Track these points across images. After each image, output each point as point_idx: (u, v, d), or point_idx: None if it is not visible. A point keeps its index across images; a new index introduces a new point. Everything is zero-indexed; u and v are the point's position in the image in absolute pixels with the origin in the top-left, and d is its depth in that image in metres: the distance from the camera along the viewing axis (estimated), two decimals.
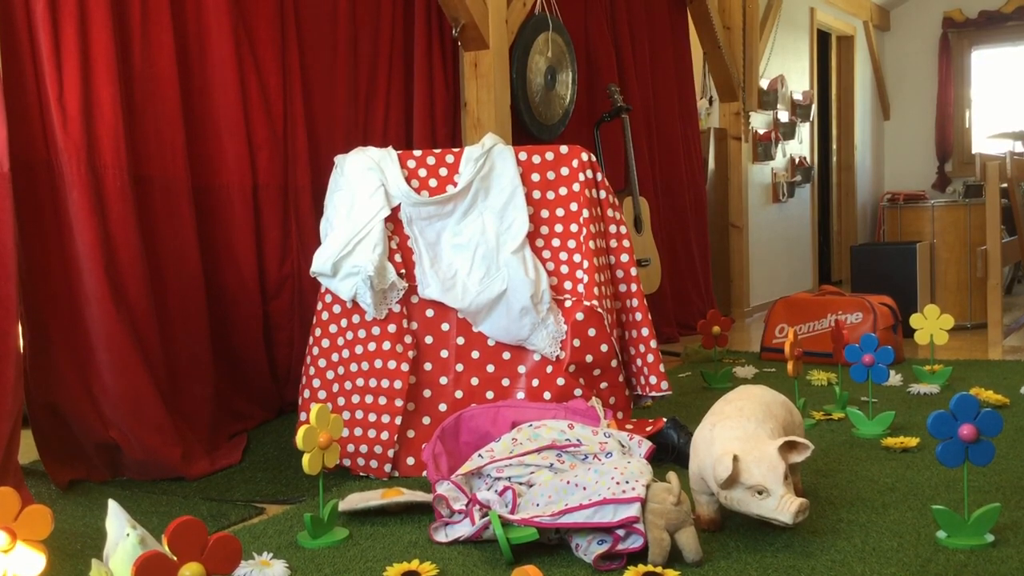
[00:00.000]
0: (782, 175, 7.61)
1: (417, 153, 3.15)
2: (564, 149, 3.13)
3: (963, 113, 9.83)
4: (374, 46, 4.02)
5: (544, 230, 3.11)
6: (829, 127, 9.04)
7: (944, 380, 3.97)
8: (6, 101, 2.71)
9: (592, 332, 2.98)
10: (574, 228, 3.08)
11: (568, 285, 3.05)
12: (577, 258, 3.06)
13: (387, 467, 2.96)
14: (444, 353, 3.03)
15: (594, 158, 3.18)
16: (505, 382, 3.01)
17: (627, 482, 2.12)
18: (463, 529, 2.31)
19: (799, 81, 8.02)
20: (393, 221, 3.08)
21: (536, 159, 3.12)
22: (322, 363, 3.11)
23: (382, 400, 2.97)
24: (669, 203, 5.88)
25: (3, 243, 2.68)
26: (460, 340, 3.03)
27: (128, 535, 1.93)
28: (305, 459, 2.32)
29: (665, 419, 2.97)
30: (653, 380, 3.19)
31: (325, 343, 3.11)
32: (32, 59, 2.83)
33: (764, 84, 7.10)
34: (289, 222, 3.63)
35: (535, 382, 2.99)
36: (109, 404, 2.96)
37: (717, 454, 2.14)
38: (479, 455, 2.53)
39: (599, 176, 3.18)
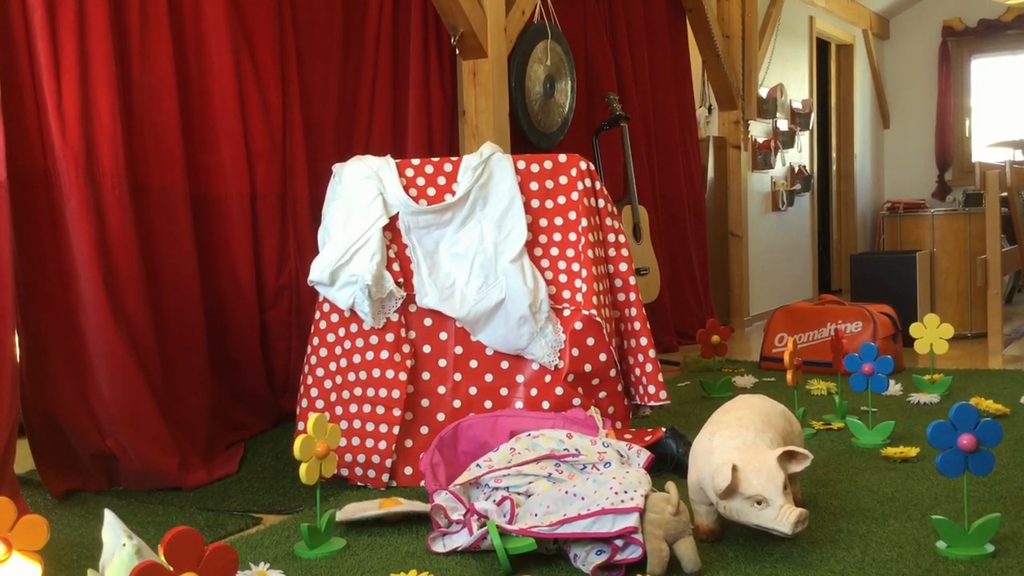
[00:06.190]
0: (781, 184, 7.61)
1: (415, 162, 3.14)
2: (563, 158, 3.12)
3: (963, 122, 9.84)
4: (372, 55, 4.02)
5: (543, 239, 3.10)
6: (828, 136, 9.04)
7: (944, 390, 3.97)
8: (4, 109, 2.71)
9: (591, 341, 2.97)
10: (573, 237, 3.07)
11: (567, 294, 3.05)
12: (576, 267, 3.05)
13: (385, 477, 2.95)
14: (442, 362, 3.03)
15: (593, 167, 3.18)
16: (503, 391, 3.00)
17: (626, 492, 2.11)
18: (461, 539, 2.30)
19: (798, 90, 8.03)
20: (391, 230, 3.07)
21: (535, 168, 3.12)
22: (320, 372, 3.11)
23: (380, 409, 2.97)
24: (668, 212, 5.88)
25: (0, 251, 2.67)
26: (458, 349, 3.03)
27: (124, 545, 1.93)
28: (302, 469, 2.32)
29: (664, 429, 2.96)
30: (652, 389, 3.18)
31: (323, 352, 3.11)
32: (30, 67, 2.83)
33: (763, 93, 7.10)
34: (287, 231, 3.62)
35: (533, 391, 2.98)
36: (106, 413, 2.95)
37: (716, 464, 2.13)
38: (477, 465, 2.52)
39: (598, 185, 3.18)
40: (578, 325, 2.97)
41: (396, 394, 2.95)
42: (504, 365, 3.02)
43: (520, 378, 3.01)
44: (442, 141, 4.28)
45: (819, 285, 8.61)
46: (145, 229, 3.12)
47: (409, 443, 2.98)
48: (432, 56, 4.22)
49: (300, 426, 3.10)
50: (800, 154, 8.03)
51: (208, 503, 2.87)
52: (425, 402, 3.00)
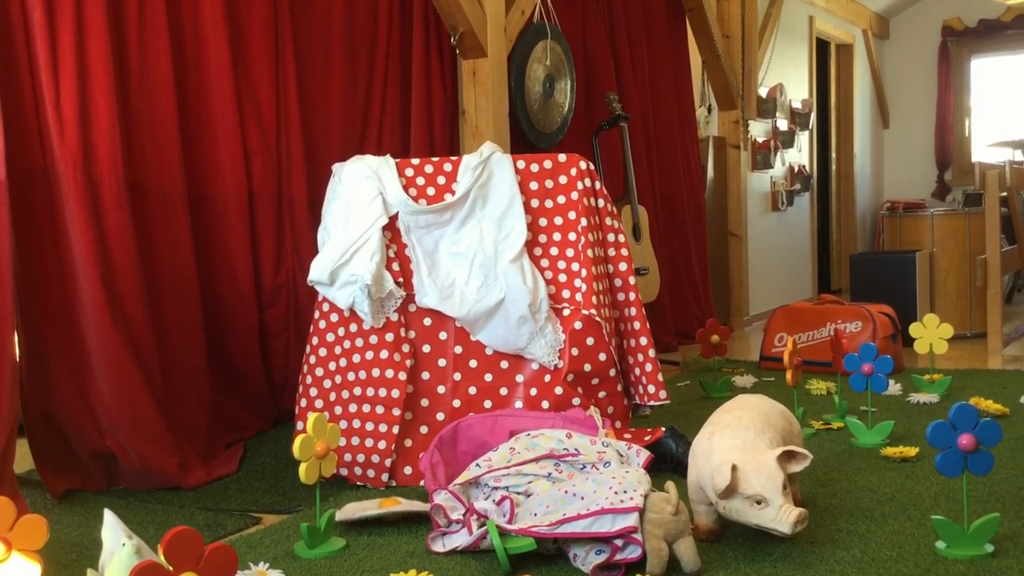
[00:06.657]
0: (781, 183, 7.61)
1: (415, 161, 3.14)
2: (562, 157, 3.12)
3: (962, 122, 9.84)
4: (371, 54, 4.02)
5: (542, 239, 3.10)
6: (828, 136, 9.04)
7: (943, 389, 3.97)
8: (3, 109, 2.71)
9: (590, 341, 2.97)
10: (572, 237, 3.08)
11: (566, 294, 3.05)
12: (575, 267, 3.05)
13: (384, 476, 2.95)
14: (442, 362, 3.03)
15: (592, 167, 3.18)
16: (503, 391, 3.00)
17: (625, 492, 2.11)
18: (460, 539, 2.30)
19: (798, 89, 8.03)
20: (391, 229, 3.07)
21: (534, 167, 3.12)
22: (319, 372, 3.11)
23: (379, 409, 2.97)
24: (668, 212, 5.88)
25: (0, 251, 2.67)
26: (458, 349, 3.03)
27: (124, 545, 1.93)
28: (302, 468, 2.32)
29: (664, 428, 2.96)
30: (652, 389, 3.18)
31: (322, 352, 3.10)
32: (29, 67, 2.83)
33: (763, 92, 7.10)
34: (283, 230, 3.62)
35: (533, 391, 2.98)
36: (105, 413, 2.95)
37: (716, 464, 2.13)
38: (477, 464, 2.52)
39: (597, 184, 3.18)
40: (578, 325, 2.97)
41: (396, 394, 2.95)
42: (504, 365, 3.02)
43: (520, 378, 3.01)
44: (443, 141, 4.28)
45: (819, 285, 8.61)
46: (143, 228, 3.12)
47: (409, 443, 2.98)
48: (432, 55, 4.23)
49: (299, 426, 3.10)
50: (800, 154, 8.03)
51: (208, 503, 2.87)
52: (425, 402, 3.00)
